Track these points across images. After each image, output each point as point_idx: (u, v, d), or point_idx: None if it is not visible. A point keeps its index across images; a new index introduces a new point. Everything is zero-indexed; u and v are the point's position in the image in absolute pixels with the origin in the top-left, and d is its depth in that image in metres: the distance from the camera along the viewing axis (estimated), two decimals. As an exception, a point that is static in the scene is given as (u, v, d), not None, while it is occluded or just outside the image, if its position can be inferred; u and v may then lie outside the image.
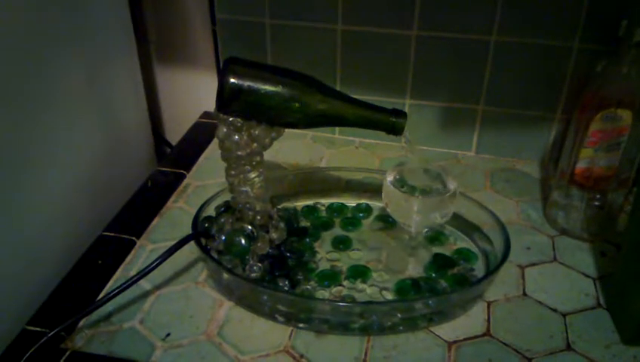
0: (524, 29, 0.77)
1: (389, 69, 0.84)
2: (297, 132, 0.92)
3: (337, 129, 0.92)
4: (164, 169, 0.84)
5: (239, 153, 0.57)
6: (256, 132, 0.56)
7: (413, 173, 0.61)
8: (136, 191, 0.79)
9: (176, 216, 0.75)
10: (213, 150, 0.89)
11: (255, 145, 0.57)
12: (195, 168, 0.84)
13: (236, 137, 0.56)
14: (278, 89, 0.54)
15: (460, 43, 0.80)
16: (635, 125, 0.66)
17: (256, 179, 0.60)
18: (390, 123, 0.57)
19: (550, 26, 0.76)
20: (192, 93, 0.98)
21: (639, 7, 0.65)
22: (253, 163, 0.59)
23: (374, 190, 0.74)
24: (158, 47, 0.95)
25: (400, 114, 0.57)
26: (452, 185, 0.59)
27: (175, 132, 0.99)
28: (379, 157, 0.87)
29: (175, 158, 0.87)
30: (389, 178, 0.60)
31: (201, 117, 0.97)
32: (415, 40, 0.81)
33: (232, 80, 0.54)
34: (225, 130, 0.56)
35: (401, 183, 0.60)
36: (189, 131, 0.94)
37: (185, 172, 0.83)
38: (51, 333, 0.55)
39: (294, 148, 0.89)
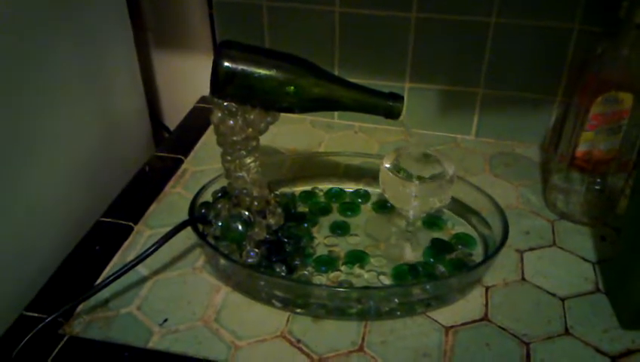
0: (524, 10, 0.76)
1: (387, 52, 0.83)
2: (296, 116, 0.92)
3: (336, 113, 0.91)
4: (161, 154, 0.83)
5: (234, 138, 0.56)
6: (252, 116, 0.56)
7: (410, 158, 0.60)
8: (134, 176, 0.79)
9: (174, 201, 0.74)
10: (211, 135, 0.88)
11: (250, 130, 0.56)
12: (192, 153, 0.84)
13: (231, 122, 0.55)
14: (273, 73, 0.54)
15: (459, 25, 0.79)
16: (635, 108, 0.65)
17: (253, 164, 0.59)
18: (387, 107, 0.56)
19: (550, 7, 0.75)
20: (190, 77, 0.97)
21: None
22: (249, 148, 0.58)
23: (373, 175, 0.73)
24: (155, 32, 0.94)
25: (397, 98, 0.56)
26: (450, 170, 0.59)
27: (173, 117, 0.98)
28: (378, 142, 0.86)
29: (173, 143, 0.86)
30: (386, 163, 0.60)
31: (198, 102, 0.97)
32: (414, 22, 0.80)
33: (226, 64, 0.53)
34: (220, 114, 0.55)
35: (398, 168, 0.59)
36: (186, 116, 0.93)
37: (183, 157, 0.83)
38: (49, 319, 0.55)
39: (292, 132, 0.89)
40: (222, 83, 0.54)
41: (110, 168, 0.80)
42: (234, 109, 0.55)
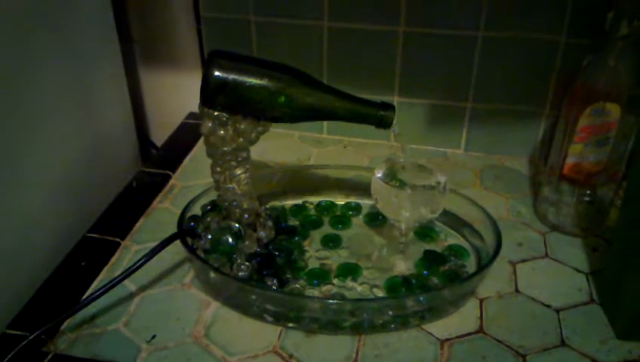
0: (511, 24, 0.77)
1: (376, 67, 0.83)
2: (284, 131, 0.91)
3: (325, 128, 0.91)
4: (149, 170, 0.82)
5: (225, 148, 0.55)
6: (242, 126, 0.55)
7: (402, 168, 0.60)
8: (121, 192, 0.77)
9: (162, 216, 0.73)
10: (199, 150, 0.87)
11: (241, 139, 0.55)
12: (180, 169, 0.83)
13: (221, 132, 0.54)
14: (264, 82, 0.53)
15: (447, 39, 0.79)
16: (623, 119, 0.66)
17: (243, 176, 0.58)
18: (379, 116, 0.56)
19: (537, 20, 0.76)
20: (178, 93, 0.97)
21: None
22: (239, 159, 0.57)
23: (363, 188, 0.72)
24: (142, 46, 0.94)
25: (388, 107, 0.56)
26: (442, 179, 0.58)
27: (160, 133, 0.97)
28: (368, 157, 0.86)
29: (160, 159, 0.85)
30: (378, 173, 0.59)
31: (186, 118, 0.96)
32: (402, 36, 0.80)
33: (217, 73, 0.53)
34: (210, 124, 0.55)
35: (390, 178, 0.59)
36: (174, 132, 0.92)
37: (170, 173, 0.81)
38: (32, 336, 0.53)
39: (281, 147, 0.88)
40: (212, 92, 0.53)
41: (97, 184, 0.78)
42: (224, 119, 0.55)
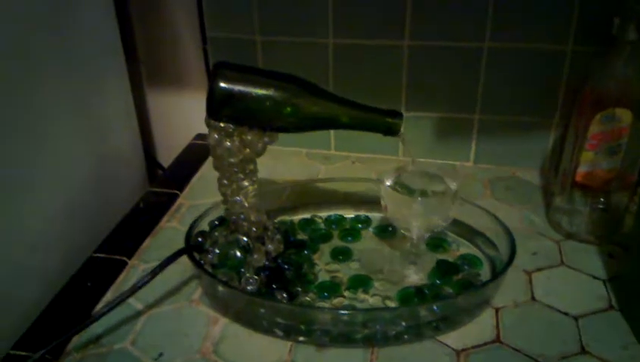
0: (517, 34, 0.76)
1: (382, 81, 0.83)
2: (292, 149, 0.91)
3: (333, 144, 0.90)
4: (156, 190, 0.82)
5: (232, 160, 0.55)
6: (249, 137, 0.54)
7: (412, 176, 0.59)
8: (128, 212, 0.77)
9: (170, 235, 0.72)
10: (207, 170, 0.87)
11: (248, 150, 0.55)
12: (188, 188, 0.82)
13: (228, 143, 0.54)
14: (270, 92, 0.53)
15: (453, 51, 0.79)
16: (635, 124, 0.64)
17: (250, 188, 0.58)
18: (387, 123, 0.55)
19: (542, 29, 0.75)
20: (185, 114, 0.97)
21: (631, 3, 0.64)
22: (247, 171, 0.57)
23: (372, 201, 0.71)
24: (148, 67, 0.95)
25: (396, 114, 0.56)
26: (453, 186, 0.57)
27: (168, 154, 0.97)
28: (376, 171, 0.85)
29: (168, 179, 0.85)
30: (388, 181, 0.58)
31: (194, 138, 0.96)
32: (407, 50, 0.80)
33: (222, 84, 0.52)
34: (216, 136, 0.54)
35: (400, 186, 0.58)
36: (182, 153, 0.92)
37: (178, 192, 0.81)
38: (36, 355, 0.52)
39: (289, 165, 0.88)
40: (218, 104, 0.53)
41: (104, 205, 0.78)
42: (231, 130, 0.54)
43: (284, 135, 0.90)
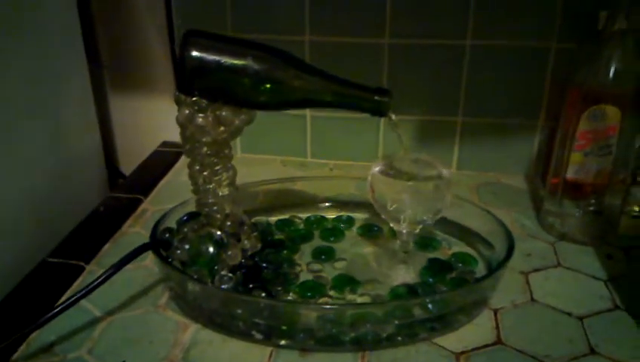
0: (500, 31, 0.74)
1: (361, 81, 0.79)
2: (266, 157, 0.86)
3: (309, 151, 0.85)
4: (118, 195, 0.75)
5: (204, 139, 0.49)
6: (224, 113, 0.49)
7: (402, 162, 0.54)
8: (87, 216, 0.70)
9: (132, 241, 0.65)
10: (174, 176, 0.81)
11: (222, 129, 0.49)
12: (153, 193, 0.76)
13: (200, 120, 0.48)
14: (247, 62, 0.48)
15: (434, 49, 0.76)
16: (624, 120, 0.62)
17: (225, 175, 0.52)
18: (375, 102, 0.51)
19: (526, 26, 0.73)
20: (150, 121, 0.91)
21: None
22: (221, 155, 0.51)
23: (355, 204, 0.68)
24: (112, 71, 0.89)
25: (385, 92, 0.51)
26: (445, 173, 0.53)
27: (130, 163, 0.91)
28: (354, 179, 0.80)
29: (131, 184, 0.78)
30: (376, 168, 0.54)
31: (159, 146, 0.90)
32: (388, 49, 0.77)
33: (195, 53, 0.47)
34: (187, 111, 0.48)
35: (390, 172, 0.53)
36: (146, 159, 0.86)
37: (142, 197, 0.74)
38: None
39: (263, 173, 0.81)
40: (190, 76, 0.48)
41: (61, 210, 0.71)
42: (204, 105, 0.48)
43: (258, 139, 0.85)
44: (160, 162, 0.85)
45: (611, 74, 0.61)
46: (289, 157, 0.86)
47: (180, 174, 0.81)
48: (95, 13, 0.86)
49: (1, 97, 0.61)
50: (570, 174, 0.65)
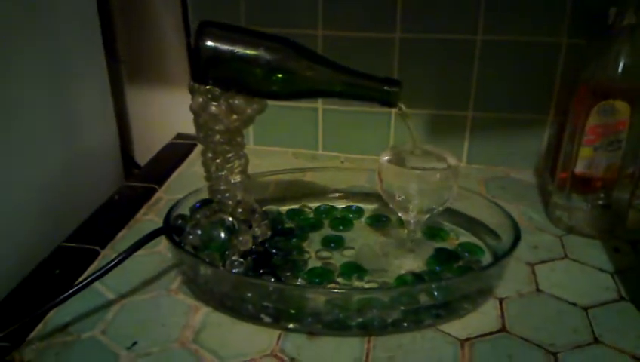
0: (510, 26, 0.75)
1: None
2: (277, 149, 0.87)
3: (320, 143, 0.86)
4: (133, 184, 0.77)
5: (217, 127, 0.50)
6: (236, 102, 0.50)
7: (410, 153, 0.55)
8: (102, 204, 0.72)
9: (146, 228, 0.65)
10: (187, 167, 0.82)
11: (235, 117, 0.51)
12: (167, 183, 0.78)
13: (213, 108, 0.50)
14: (260, 53, 0.49)
15: (445, 44, 0.77)
16: (634, 115, 0.62)
17: (237, 162, 0.53)
18: (384, 92, 0.52)
19: (536, 22, 0.74)
20: (165, 114, 0.93)
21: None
22: (233, 143, 0.53)
23: (364, 195, 0.69)
24: (130, 66, 0.91)
25: (394, 83, 0.52)
26: (453, 163, 0.54)
27: (146, 154, 0.92)
28: (365, 171, 0.81)
29: (145, 174, 0.80)
30: (385, 157, 0.55)
31: (174, 138, 0.91)
32: (399, 43, 0.78)
33: (209, 43, 0.49)
34: (200, 100, 0.50)
35: (398, 161, 0.54)
36: (160, 150, 0.87)
37: (157, 186, 0.76)
38: (-8, 340, 0.46)
39: (275, 165, 0.83)
40: (204, 65, 0.49)
41: (78, 199, 0.73)
42: (217, 93, 0.50)
43: (270, 131, 0.86)
44: (174, 153, 0.86)
45: (620, 69, 0.62)
46: (300, 149, 0.88)
47: (193, 165, 0.82)
48: (114, 10, 0.88)
49: (23, 90, 0.63)
50: (579, 169, 0.65)
